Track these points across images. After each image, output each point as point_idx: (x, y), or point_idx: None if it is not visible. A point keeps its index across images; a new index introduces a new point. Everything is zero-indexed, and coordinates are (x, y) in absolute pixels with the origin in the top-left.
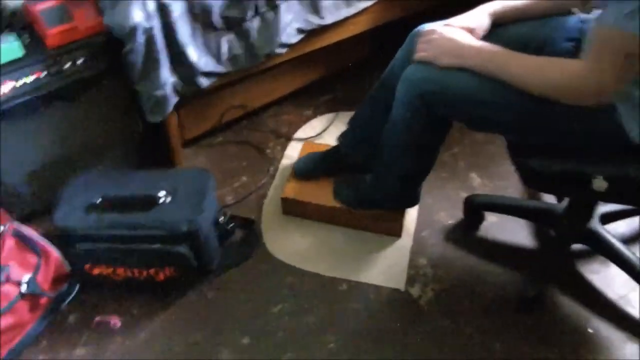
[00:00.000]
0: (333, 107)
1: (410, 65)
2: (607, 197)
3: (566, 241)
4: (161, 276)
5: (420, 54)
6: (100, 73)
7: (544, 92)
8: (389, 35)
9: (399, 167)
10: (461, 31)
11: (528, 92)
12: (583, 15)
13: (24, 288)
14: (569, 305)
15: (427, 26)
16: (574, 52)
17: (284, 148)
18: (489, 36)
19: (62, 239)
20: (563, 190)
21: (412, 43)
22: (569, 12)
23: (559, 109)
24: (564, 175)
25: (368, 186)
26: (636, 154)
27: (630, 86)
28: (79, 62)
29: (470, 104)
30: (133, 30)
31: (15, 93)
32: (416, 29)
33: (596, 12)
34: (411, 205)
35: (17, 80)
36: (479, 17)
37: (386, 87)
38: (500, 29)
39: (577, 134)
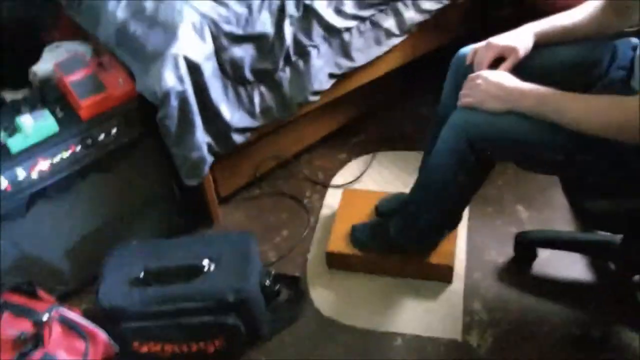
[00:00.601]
0: (367, 148)
1: (457, 110)
2: None
3: (626, 274)
4: (211, 348)
5: (465, 100)
6: (135, 139)
7: (601, 132)
8: (418, 67)
9: (433, 213)
10: (506, 74)
11: (582, 132)
12: (634, 41)
13: None
14: (636, 341)
15: (469, 48)
16: (625, 81)
17: (322, 196)
18: (532, 57)
19: (108, 318)
20: (623, 228)
21: (457, 70)
22: (618, 36)
23: (615, 148)
24: (624, 214)
25: (392, 232)
26: None
27: None
28: (113, 131)
29: (521, 148)
30: (167, 95)
31: (52, 170)
32: (459, 52)
33: None
34: (435, 245)
35: (53, 157)
36: (522, 37)
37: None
38: (546, 50)
39: (635, 171)
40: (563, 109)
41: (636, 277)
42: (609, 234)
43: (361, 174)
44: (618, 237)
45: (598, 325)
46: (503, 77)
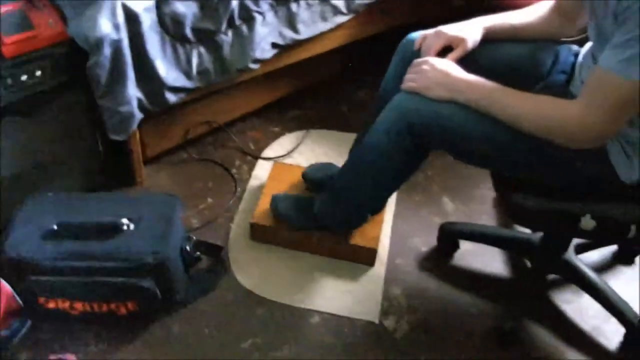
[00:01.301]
0: (302, 124)
1: (400, 93)
2: (592, 236)
3: (542, 272)
4: (123, 310)
5: (410, 84)
6: (61, 86)
7: (538, 132)
8: (361, 49)
9: (361, 193)
10: (452, 63)
11: (519, 130)
12: (575, 48)
13: None
14: (545, 337)
15: (418, 34)
16: (564, 86)
17: (251, 167)
18: (479, 50)
19: (14, 270)
20: (547, 227)
21: (404, 54)
22: (560, 41)
23: (551, 148)
24: (551, 213)
25: (317, 209)
26: (625, 195)
27: (623, 128)
28: (38, 73)
29: (459, 138)
30: (100, 42)
31: None
32: (407, 37)
33: (587, 47)
34: (358, 227)
35: None
36: (472, 29)
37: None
38: (493, 45)
39: (567, 172)
40: (506, 105)
41: (550, 276)
42: (529, 231)
43: (293, 149)
44: (537, 236)
45: (510, 318)
46: (450, 66)
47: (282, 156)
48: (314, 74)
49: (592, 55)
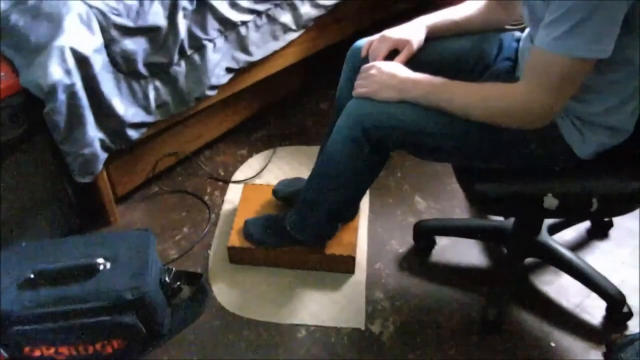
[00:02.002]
0: (268, 143)
1: (352, 100)
2: (558, 214)
3: (518, 257)
4: (109, 349)
5: (359, 90)
6: (21, 136)
7: (487, 119)
8: (320, 60)
9: (329, 203)
10: (399, 65)
11: (471, 120)
12: (517, 34)
13: None
14: (530, 321)
15: (364, 41)
16: (511, 72)
17: (223, 192)
18: (425, 49)
19: None
20: (513, 211)
21: (353, 62)
22: (504, 30)
23: (504, 134)
24: (514, 197)
25: (288, 224)
26: (583, 169)
27: (571, 104)
28: None
29: (415, 136)
30: (53, 88)
31: None
32: (354, 45)
33: (526, 31)
34: (331, 237)
35: None
36: (415, 30)
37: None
38: (437, 42)
39: (523, 155)
40: (452, 97)
41: (527, 260)
42: (501, 219)
43: (262, 169)
44: (509, 222)
45: (493, 307)
46: (396, 68)
47: (252, 177)
48: (275, 92)
49: (530, 37)
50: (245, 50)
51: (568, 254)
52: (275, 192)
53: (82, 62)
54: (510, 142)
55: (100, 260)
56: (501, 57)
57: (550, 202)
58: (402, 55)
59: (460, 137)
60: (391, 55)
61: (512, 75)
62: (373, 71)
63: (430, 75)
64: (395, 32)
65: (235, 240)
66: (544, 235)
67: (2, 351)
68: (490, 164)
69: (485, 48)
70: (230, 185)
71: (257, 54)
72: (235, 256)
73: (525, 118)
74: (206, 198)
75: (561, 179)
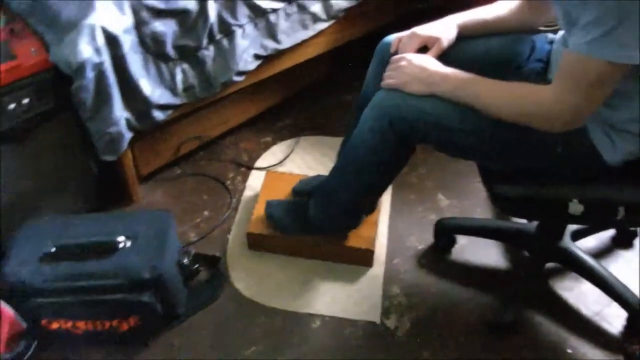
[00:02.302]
0: (293, 132)
1: (380, 91)
2: (582, 221)
3: (539, 261)
4: (125, 326)
5: (388, 81)
6: (48, 112)
7: (515, 118)
8: (347, 52)
9: (352, 193)
10: (430, 58)
11: (499, 119)
12: (550, 36)
13: None
14: (546, 325)
15: (394, 37)
16: (542, 73)
17: (245, 178)
18: (454, 47)
19: (15, 294)
20: (537, 215)
21: (381, 57)
22: (537, 31)
23: (532, 135)
24: (538, 200)
25: (310, 213)
26: (611, 176)
27: (602, 110)
28: (25, 101)
29: (441, 131)
30: (82, 66)
31: None
32: (383, 40)
33: (560, 33)
34: (353, 228)
35: None
36: (445, 27)
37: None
38: (467, 41)
39: (551, 158)
40: (481, 93)
41: (548, 265)
42: (524, 221)
43: (285, 158)
44: (532, 226)
45: (511, 310)
46: (426, 61)
47: (274, 165)
48: (301, 81)
49: (564, 40)
50: (274, 37)
51: (590, 261)
52: (295, 190)
53: (112, 41)
54: (537, 143)
55: (121, 238)
56: (533, 59)
57: (576, 208)
58: (431, 53)
59: (486, 135)
60: (420, 52)
61: (543, 77)
62: (403, 63)
63: (461, 71)
64: (426, 29)
65: (255, 226)
66: (566, 240)
67: (21, 321)
68: (514, 165)
69: (516, 49)
70: (253, 171)
71: (286, 42)
72: (254, 242)
73: (554, 120)
74: (228, 183)
75: (588, 185)
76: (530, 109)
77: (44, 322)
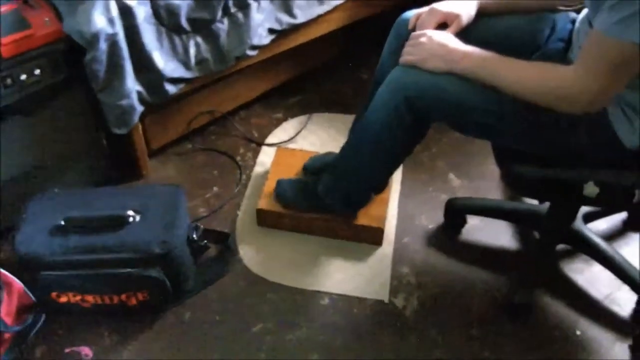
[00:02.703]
0: (305, 108)
1: (397, 67)
2: (597, 203)
3: (551, 243)
4: (133, 301)
5: (407, 57)
6: (60, 83)
7: (535, 98)
8: (360, 30)
9: (363, 170)
10: (450, 35)
11: (519, 99)
12: (572, 15)
13: None
14: (556, 307)
15: (412, 13)
16: (563, 53)
17: (255, 154)
18: (474, 25)
19: (25, 266)
20: (551, 196)
21: (398, 34)
22: (557, 10)
23: (550, 116)
24: (554, 182)
25: (321, 189)
26: (629, 160)
27: (624, 92)
28: (37, 72)
29: (459, 110)
30: (95, 36)
31: None
32: (401, 16)
33: (584, 12)
34: (363, 206)
35: None
36: (466, 5)
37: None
38: (488, 19)
39: (568, 140)
40: (500, 73)
41: (559, 246)
42: (535, 203)
43: (296, 134)
44: (544, 207)
45: (521, 291)
46: (447, 38)
47: (285, 142)
48: (314, 58)
49: (588, 20)
50: (289, 12)
51: (602, 243)
52: (305, 167)
53: (126, 12)
54: (556, 125)
55: (131, 213)
56: (554, 38)
57: (591, 190)
58: (451, 30)
59: (505, 115)
60: (439, 29)
61: (564, 57)
62: (423, 39)
63: (482, 49)
64: (445, 5)
65: (265, 203)
66: (578, 222)
67: (30, 294)
68: (531, 147)
69: (537, 27)
70: (263, 147)
71: (301, 16)
72: (264, 219)
73: (576, 102)
74: (238, 159)
75: (605, 167)
76: (552, 89)
77: (53, 295)
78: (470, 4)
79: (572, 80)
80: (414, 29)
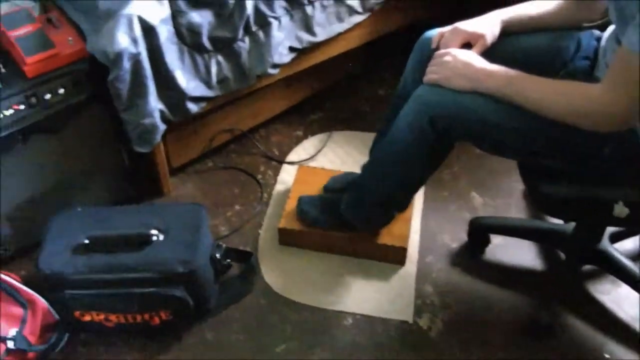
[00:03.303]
0: (325, 126)
1: (421, 86)
2: (626, 223)
3: (576, 263)
4: (156, 320)
5: (431, 76)
6: (84, 102)
7: (562, 117)
8: (381, 46)
9: (386, 188)
10: (474, 54)
11: (545, 117)
12: (597, 32)
13: (10, 344)
14: (583, 329)
15: (435, 32)
16: (589, 71)
17: (276, 172)
18: (499, 44)
19: (48, 285)
20: (578, 216)
21: (421, 52)
22: (581, 27)
23: (577, 134)
24: (582, 201)
25: (343, 207)
26: None
27: None
28: (61, 91)
29: (483, 128)
30: (119, 56)
31: None
32: (424, 35)
33: (610, 30)
34: (385, 225)
35: None
36: (489, 23)
37: (401, 105)
38: (512, 38)
39: (597, 159)
40: (526, 91)
41: (585, 267)
42: (561, 222)
43: (317, 152)
44: (569, 226)
45: (546, 311)
46: (472, 57)
47: (306, 160)
48: (334, 75)
49: (616, 37)
50: (309, 30)
51: (629, 263)
52: (326, 187)
53: (149, 31)
54: (583, 144)
55: (154, 232)
56: (579, 56)
57: (621, 210)
58: (475, 50)
59: (531, 134)
60: (463, 48)
61: (590, 75)
62: (448, 58)
63: (506, 68)
64: (469, 25)
65: (286, 221)
66: (605, 242)
67: (54, 313)
68: (558, 165)
69: (562, 46)
70: (284, 165)
71: (321, 34)
72: (286, 238)
73: (603, 121)
74: (259, 177)
75: (635, 187)
76: (578, 107)
77: (76, 314)
78: (494, 22)
79: (599, 98)
80: (437, 48)
